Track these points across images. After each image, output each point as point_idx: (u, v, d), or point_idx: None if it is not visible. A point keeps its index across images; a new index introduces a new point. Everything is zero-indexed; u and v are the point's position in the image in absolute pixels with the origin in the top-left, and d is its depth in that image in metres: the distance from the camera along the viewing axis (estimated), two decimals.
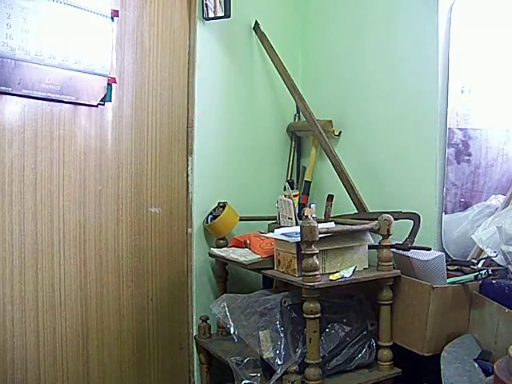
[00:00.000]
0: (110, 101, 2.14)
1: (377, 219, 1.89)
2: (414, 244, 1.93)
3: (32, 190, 1.95)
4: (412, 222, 2.01)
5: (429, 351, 1.80)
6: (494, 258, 1.89)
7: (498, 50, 2.13)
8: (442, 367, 1.71)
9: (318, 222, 1.77)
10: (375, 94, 2.35)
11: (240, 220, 2.40)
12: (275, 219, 2.39)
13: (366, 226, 1.89)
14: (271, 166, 2.64)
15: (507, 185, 2.14)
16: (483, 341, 1.78)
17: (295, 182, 2.63)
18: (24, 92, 1.88)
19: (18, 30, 1.83)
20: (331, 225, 1.97)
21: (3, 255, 1.88)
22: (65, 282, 2.05)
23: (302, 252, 1.75)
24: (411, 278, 1.88)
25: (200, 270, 2.43)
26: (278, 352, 1.80)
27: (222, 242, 2.38)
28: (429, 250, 1.89)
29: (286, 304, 1.85)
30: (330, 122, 2.50)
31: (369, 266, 1.95)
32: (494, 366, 1.38)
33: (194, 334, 2.41)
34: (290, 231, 1.92)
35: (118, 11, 2.13)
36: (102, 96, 2.10)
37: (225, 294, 2.05)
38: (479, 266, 1.91)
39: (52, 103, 1.98)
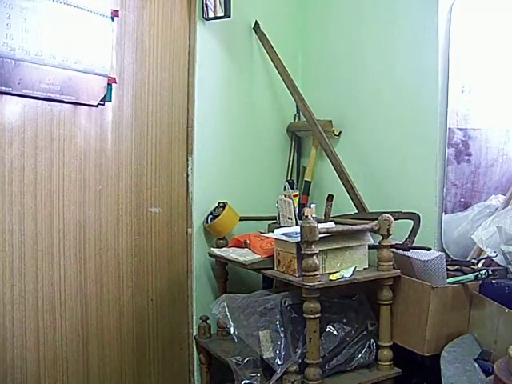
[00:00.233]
0: (110, 101, 2.14)
1: (377, 219, 1.89)
2: (414, 244, 1.93)
3: (32, 190, 1.95)
4: (412, 221, 2.01)
5: (429, 351, 1.80)
6: (494, 258, 1.89)
7: (498, 50, 2.13)
8: (441, 367, 1.71)
9: (318, 222, 1.77)
10: (375, 94, 2.35)
11: (240, 220, 2.40)
12: (275, 219, 2.39)
13: (366, 226, 1.89)
14: (271, 166, 2.64)
15: (507, 185, 2.14)
16: (483, 341, 1.78)
17: (295, 181, 2.63)
18: (24, 92, 1.88)
19: (18, 29, 1.83)
20: (331, 225, 1.97)
21: (3, 255, 1.88)
22: (65, 282, 2.05)
23: (302, 252, 1.75)
24: (411, 278, 1.88)
25: (200, 270, 2.43)
26: (278, 352, 1.80)
27: (222, 242, 2.38)
28: (429, 249, 1.89)
29: (286, 304, 1.86)
30: (330, 122, 2.50)
31: (369, 265, 1.95)
32: (494, 366, 1.38)
33: (194, 334, 2.41)
34: (290, 231, 1.92)
35: (118, 11, 2.13)
36: (102, 96, 2.10)
37: (225, 294, 2.05)
38: (479, 266, 1.91)
39: (52, 103, 1.98)
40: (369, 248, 1.96)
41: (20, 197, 1.92)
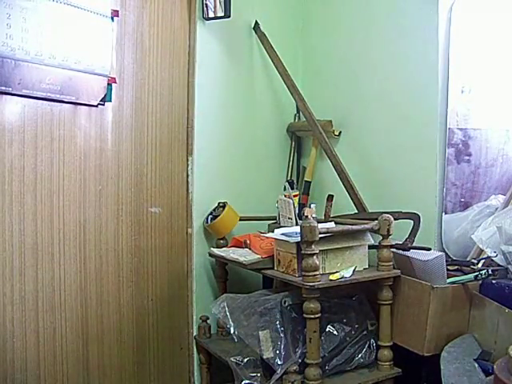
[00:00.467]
0: (110, 101, 2.14)
1: (377, 219, 1.89)
2: (414, 244, 1.93)
3: (32, 190, 1.95)
4: (412, 221, 2.01)
5: (429, 351, 1.80)
6: (494, 258, 1.89)
7: (498, 50, 2.13)
8: (441, 367, 1.71)
9: (318, 222, 1.77)
10: (375, 94, 2.35)
11: (240, 220, 2.40)
12: (275, 219, 2.39)
13: (366, 226, 1.89)
14: (271, 166, 2.64)
15: (507, 185, 2.14)
16: (483, 341, 1.78)
17: (295, 181, 2.63)
18: (24, 92, 1.88)
19: (18, 29, 1.83)
20: (331, 225, 1.97)
21: (3, 255, 1.88)
22: (65, 282, 2.05)
23: (302, 252, 1.75)
24: (411, 278, 1.88)
25: (200, 270, 2.43)
26: (278, 352, 1.80)
27: (222, 242, 2.38)
28: (429, 249, 1.89)
29: (286, 304, 1.86)
30: (330, 122, 2.50)
31: (369, 265, 1.95)
32: (494, 366, 1.38)
33: (194, 334, 2.41)
34: (290, 231, 1.92)
35: (118, 11, 2.13)
36: (102, 96, 2.10)
37: (225, 294, 2.05)
38: (479, 266, 1.91)
39: (52, 103, 1.98)
40: (369, 248, 1.96)
41: (20, 197, 1.92)
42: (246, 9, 2.52)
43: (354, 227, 1.91)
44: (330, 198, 2.32)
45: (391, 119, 2.28)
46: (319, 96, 2.61)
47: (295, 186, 2.55)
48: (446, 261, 1.89)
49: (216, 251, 2.27)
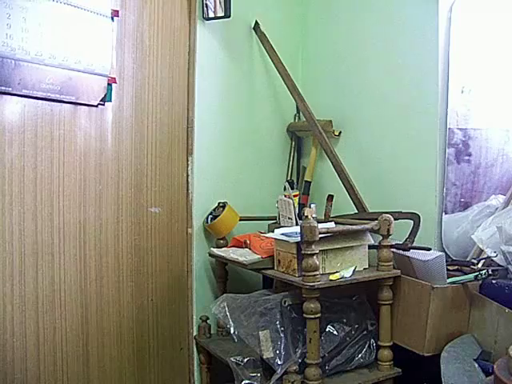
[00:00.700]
0: (110, 101, 2.14)
1: (377, 219, 1.89)
2: (413, 244, 1.93)
3: (32, 190, 1.95)
4: (412, 221, 2.01)
5: (429, 351, 1.80)
6: (493, 258, 1.89)
7: (498, 50, 2.13)
8: (441, 367, 1.71)
9: (318, 222, 1.77)
10: (375, 94, 2.35)
11: (240, 220, 2.40)
12: (275, 219, 2.39)
13: (366, 226, 1.89)
14: (271, 166, 2.64)
15: (507, 185, 2.14)
16: (483, 341, 1.78)
17: (295, 181, 2.63)
18: (24, 92, 1.88)
19: (18, 29, 1.83)
20: (331, 225, 1.97)
21: (3, 255, 1.88)
22: (65, 282, 2.05)
23: (302, 252, 1.75)
24: (411, 278, 1.88)
25: (200, 269, 2.43)
26: (278, 352, 1.80)
27: (222, 242, 2.38)
28: (429, 250, 1.88)
29: (286, 304, 1.86)
30: (330, 121, 2.50)
31: (369, 265, 1.95)
32: (494, 366, 1.38)
33: (194, 333, 2.41)
34: (290, 231, 1.92)
35: (118, 11, 2.13)
36: (102, 96, 2.10)
37: (225, 294, 2.05)
38: (479, 266, 1.91)
39: (52, 103, 1.98)
40: (369, 248, 1.96)
41: (20, 197, 1.92)
42: (246, 9, 2.52)
43: (354, 227, 1.91)
44: (330, 198, 2.32)
45: (391, 119, 2.28)
46: (319, 96, 2.61)
47: (295, 186, 2.55)
48: (446, 261, 1.89)
49: (216, 251, 2.27)
